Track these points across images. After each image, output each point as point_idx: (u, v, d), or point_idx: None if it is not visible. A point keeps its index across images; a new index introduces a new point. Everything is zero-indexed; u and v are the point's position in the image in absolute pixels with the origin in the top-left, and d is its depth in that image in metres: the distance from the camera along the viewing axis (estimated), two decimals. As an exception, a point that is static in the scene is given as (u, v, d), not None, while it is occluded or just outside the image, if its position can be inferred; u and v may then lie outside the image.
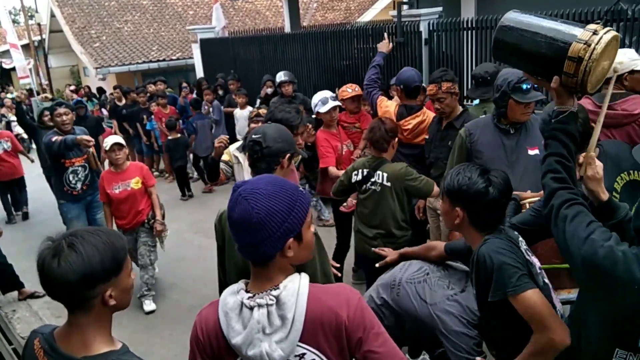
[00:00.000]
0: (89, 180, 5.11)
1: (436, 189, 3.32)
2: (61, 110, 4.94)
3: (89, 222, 5.16)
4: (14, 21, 21.54)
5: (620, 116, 2.83)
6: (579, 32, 1.54)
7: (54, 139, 4.78)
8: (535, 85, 2.79)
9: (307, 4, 18.67)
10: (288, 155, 2.27)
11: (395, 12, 6.03)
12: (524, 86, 2.83)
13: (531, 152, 2.91)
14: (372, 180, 3.41)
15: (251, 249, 1.35)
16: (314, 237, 1.96)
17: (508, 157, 2.94)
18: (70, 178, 5.00)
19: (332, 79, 7.13)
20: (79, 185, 5.05)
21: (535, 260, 1.92)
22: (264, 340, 1.32)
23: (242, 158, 3.66)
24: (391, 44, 5.63)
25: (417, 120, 4.11)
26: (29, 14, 22.39)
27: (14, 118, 13.92)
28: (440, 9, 5.98)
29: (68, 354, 1.34)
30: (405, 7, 6.25)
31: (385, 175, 3.38)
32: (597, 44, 1.48)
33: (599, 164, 1.70)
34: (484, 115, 3.53)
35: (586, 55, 1.49)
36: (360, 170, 3.50)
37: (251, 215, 1.31)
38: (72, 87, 16.29)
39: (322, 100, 4.71)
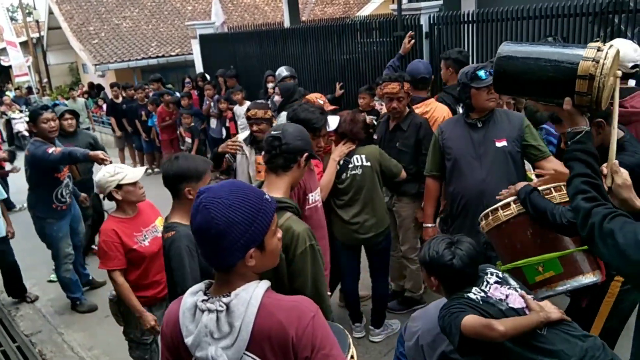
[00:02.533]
0: (73, 192, 4.73)
1: (403, 173, 3.58)
2: (48, 115, 4.24)
3: (70, 235, 4.72)
4: (12, 18, 21.51)
5: (628, 113, 2.81)
6: (582, 52, 1.56)
7: (50, 151, 4.10)
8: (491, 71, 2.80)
9: (306, -1, 18.61)
10: (306, 155, 2.22)
11: (395, 6, 6.01)
12: (480, 73, 2.94)
13: (498, 144, 3.00)
14: (351, 166, 3.46)
15: (211, 257, 1.35)
16: (311, 249, 1.96)
17: (476, 150, 3.03)
18: (64, 193, 4.46)
19: (333, 74, 7.12)
20: (67, 197, 4.56)
21: (499, 292, 2.08)
22: (212, 344, 1.32)
23: (248, 151, 3.66)
24: (410, 42, 5.61)
25: (419, 110, 4.10)
26: (27, 11, 22.37)
27: (14, 116, 13.89)
28: (440, 2, 5.96)
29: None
30: (405, 0, 6.23)
31: (363, 156, 3.48)
32: (605, 59, 1.51)
33: (624, 171, 1.65)
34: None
35: (597, 71, 1.51)
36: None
37: (210, 226, 1.29)
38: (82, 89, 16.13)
39: None
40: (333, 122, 4.27)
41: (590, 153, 1.60)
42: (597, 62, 1.51)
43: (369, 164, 3.46)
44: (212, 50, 10.05)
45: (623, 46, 2.91)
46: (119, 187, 2.97)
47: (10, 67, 18.85)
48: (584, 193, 1.54)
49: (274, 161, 2.19)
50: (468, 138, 3.06)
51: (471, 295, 2.08)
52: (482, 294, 2.08)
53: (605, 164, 1.67)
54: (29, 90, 18.33)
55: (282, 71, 6.49)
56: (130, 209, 3.08)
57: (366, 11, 16.64)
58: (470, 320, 1.95)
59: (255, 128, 3.68)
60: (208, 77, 9.28)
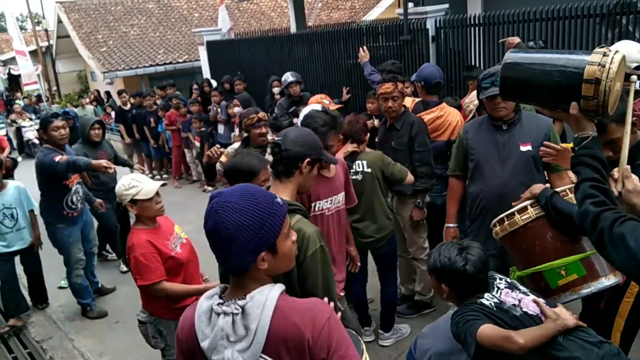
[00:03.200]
0: (85, 198, 4.77)
1: (409, 176, 3.55)
2: (58, 122, 4.30)
3: (82, 242, 4.78)
4: (21, 27, 21.75)
5: (637, 117, 2.79)
6: (588, 57, 1.57)
7: (57, 159, 4.15)
8: (495, 81, 2.76)
9: (312, 4, 18.67)
10: (308, 160, 2.17)
11: (401, 10, 6.02)
12: (485, 83, 2.92)
13: (523, 148, 2.93)
14: (352, 171, 3.47)
15: (224, 260, 1.36)
16: (321, 250, 1.95)
17: (499, 152, 2.97)
18: (74, 199, 4.51)
19: (339, 78, 7.13)
20: (79, 204, 4.60)
21: (511, 297, 2.05)
22: (228, 347, 1.33)
23: None
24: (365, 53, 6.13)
25: (431, 115, 4.11)
26: (36, 20, 22.63)
27: (24, 124, 14.01)
28: (446, 5, 5.96)
29: None
30: (411, 4, 6.23)
31: (364, 162, 3.48)
32: (610, 63, 1.52)
33: (635, 177, 1.65)
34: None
35: (603, 75, 1.52)
36: None
37: (220, 230, 1.31)
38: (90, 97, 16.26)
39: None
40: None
41: (597, 158, 1.59)
42: (603, 66, 1.53)
43: (369, 170, 3.46)
44: (219, 57, 10.11)
45: (627, 47, 2.90)
46: (134, 201, 2.80)
47: (20, 75, 19.05)
48: (592, 197, 1.53)
49: (276, 167, 2.19)
50: (492, 140, 3.00)
51: (484, 301, 2.04)
52: (495, 299, 2.04)
53: (616, 169, 1.66)
54: (39, 98, 18.53)
55: (288, 77, 6.51)
56: (150, 221, 2.91)
57: (372, 16, 16.66)
58: (488, 330, 1.92)
59: (264, 130, 3.75)
60: (215, 83, 9.33)
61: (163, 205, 2.92)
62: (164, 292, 2.79)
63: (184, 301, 2.80)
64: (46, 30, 21.35)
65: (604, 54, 1.55)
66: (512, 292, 2.08)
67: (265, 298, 1.34)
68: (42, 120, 4.44)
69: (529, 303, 2.03)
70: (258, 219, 1.32)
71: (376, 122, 5.03)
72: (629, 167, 1.66)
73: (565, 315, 1.93)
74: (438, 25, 5.73)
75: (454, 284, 2.10)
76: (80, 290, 4.76)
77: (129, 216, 3.08)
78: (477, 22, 5.45)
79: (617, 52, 1.57)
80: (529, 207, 2.28)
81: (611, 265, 1.52)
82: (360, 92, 6.58)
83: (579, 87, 1.56)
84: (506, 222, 2.33)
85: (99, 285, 5.19)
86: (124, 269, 5.64)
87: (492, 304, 2.02)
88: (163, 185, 2.98)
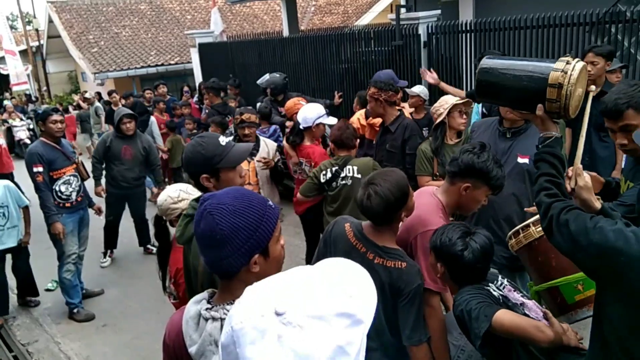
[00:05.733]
0: (82, 192, 4.86)
1: None
2: (57, 117, 4.64)
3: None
4: (12, 27, 21.58)
5: None
6: (553, 64, 1.76)
7: (35, 170, 4.45)
8: None
9: (305, 8, 18.71)
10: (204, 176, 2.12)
11: (394, 16, 6.05)
12: None
13: (520, 160, 2.89)
14: (342, 175, 3.50)
15: (215, 263, 1.34)
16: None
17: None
18: (62, 189, 4.64)
19: (331, 82, 7.14)
20: (73, 195, 4.69)
21: (514, 296, 2.04)
22: (216, 353, 1.29)
23: None
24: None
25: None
26: (27, 19, 22.44)
27: (15, 123, 13.88)
28: (438, 11, 6.00)
29: (372, 240, 2.09)
30: (403, 10, 6.26)
31: (355, 168, 3.50)
32: (572, 70, 1.71)
33: (586, 174, 1.82)
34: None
35: (565, 80, 1.71)
36: (328, 169, 3.60)
37: (215, 232, 1.29)
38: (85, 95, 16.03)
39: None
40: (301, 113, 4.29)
41: (556, 156, 1.76)
42: (566, 72, 1.71)
43: (359, 176, 3.46)
44: (211, 59, 10.09)
45: None
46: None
47: (8, 75, 18.88)
48: (546, 190, 1.71)
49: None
50: (494, 145, 2.90)
51: (492, 291, 1.98)
52: (501, 292, 2.00)
53: (571, 168, 1.82)
54: (28, 98, 18.35)
55: (274, 77, 6.54)
56: None
57: (365, 20, 16.76)
58: (509, 314, 1.84)
59: (247, 131, 3.78)
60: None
61: None
62: None
63: None
64: (37, 30, 21.17)
65: (567, 62, 1.74)
66: (514, 292, 2.06)
67: None
68: (43, 113, 4.79)
69: (532, 307, 1.99)
70: (252, 221, 1.31)
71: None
72: (581, 165, 1.82)
73: (570, 334, 1.90)
74: (430, 31, 5.76)
75: (449, 266, 2.04)
76: (69, 288, 4.72)
77: (169, 232, 2.90)
78: (468, 28, 5.49)
79: (578, 61, 1.74)
80: None
81: (558, 249, 1.64)
82: (352, 96, 6.59)
83: (544, 91, 1.75)
84: (521, 235, 2.28)
85: (83, 291, 5.11)
86: (105, 264, 5.88)
87: (499, 297, 1.98)
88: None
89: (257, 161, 4.06)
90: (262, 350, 0.71)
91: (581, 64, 1.74)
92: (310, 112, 4.14)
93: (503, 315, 1.83)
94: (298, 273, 0.91)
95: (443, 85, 5.12)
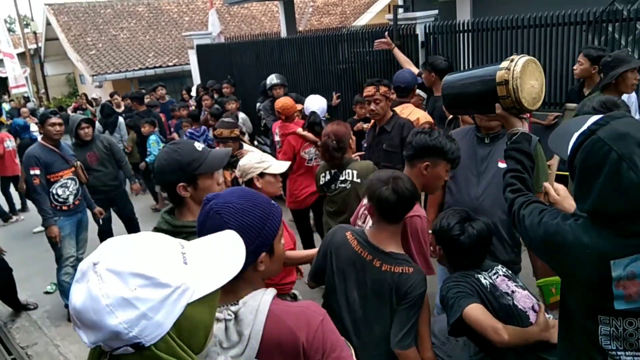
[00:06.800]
0: (80, 195, 4.79)
1: None
2: (55, 119, 4.65)
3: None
4: (9, 30, 21.55)
5: None
6: (499, 65, 1.92)
7: (32, 172, 4.46)
8: None
9: (302, 9, 18.72)
10: (181, 185, 2.02)
11: (391, 16, 6.05)
12: None
13: (501, 165, 2.77)
14: (341, 179, 3.48)
15: None
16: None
17: (477, 166, 2.86)
18: (60, 192, 4.63)
19: (329, 83, 7.14)
20: (71, 198, 4.67)
21: (506, 285, 2.11)
22: (221, 354, 1.30)
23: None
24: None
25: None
26: (25, 22, 22.42)
27: (32, 128, 13.86)
28: (436, 12, 6.01)
29: (377, 246, 2.05)
30: (401, 10, 6.27)
31: (354, 172, 3.46)
32: (515, 66, 1.86)
33: (558, 186, 1.95)
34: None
35: (509, 76, 1.85)
36: (327, 171, 3.59)
37: (224, 230, 1.28)
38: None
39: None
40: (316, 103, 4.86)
41: (522, 151, 1.87)
42: (509, 69, 1.85)
43: (358, 180, 3.41)
44: (209, 61, 10.09)
45: None
46: (262, 175, 2.86)
47: (7, 78, 18.85)
48: (511, 185, 1.83)
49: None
50: (473, 152, 2.88)
51: (481, 278, 2.07)
52: (491, 281, 2.09)
53: (547, 182, 1.97)
54: (27, 100, 18.32)
55: (273, 79, 6.55)
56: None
57: (362, 21, 16.76)
58: (477, 310, 1.94)
59: (220, 147, 3.75)
60: (202, 89, 9.29)
61: (281, 186, 3.03)
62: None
63: (284, 278, 2.80)
64: (35, 33, 21.16)
65: (511, 60, 1.88)
66: (508, 281, 2.12)
67: (258, 303, 1.32)
68: (42, 116, 4.84)
69: (522, 298, 2.05)
70: (259, 219, 1.33)
71: (365, 125, 5.05)
72: (547, 184, 1.96)
73: (554, 331, 1.90)
74: (427, 31, 5.77)
75: (447, 249, 2.18)
76: (67, 290, 4.68)
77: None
78: (466, 28, 5.49)
79: (522, 56, 1.89)
80: None
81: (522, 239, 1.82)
82: (350, 97, 6.59)
83: (495, 90, 1.89)
84: None
85: None
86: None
87: (488, 284, 2.06)
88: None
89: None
90: (77, 287, 0.91)
91: (524, 58, 1.87)
92: (321, 102, 5.07)
93: (471, 311, 1.94)
94: (146, 236, 1.02)
95: (396, 51, 5.42)
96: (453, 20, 5.82)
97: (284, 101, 4.90)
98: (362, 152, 4.41)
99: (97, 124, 11.08)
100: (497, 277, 2.10)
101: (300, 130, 4.67)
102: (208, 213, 1.34)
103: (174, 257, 0.98)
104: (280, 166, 2.92)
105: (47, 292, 5.32)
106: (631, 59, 3.55)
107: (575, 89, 4.35)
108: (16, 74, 16.69)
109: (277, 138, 5.03)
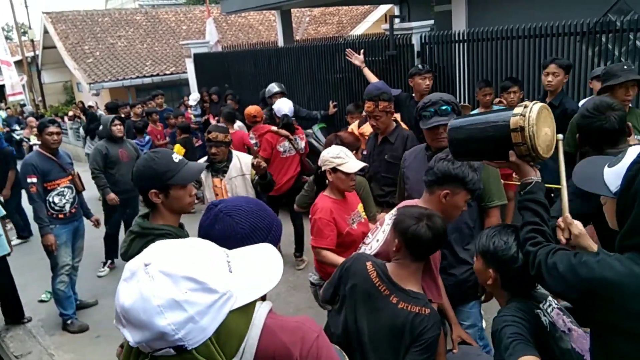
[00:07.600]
0: (77, 203, 4.83)
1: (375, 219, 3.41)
2: (53, 129, 4.67)
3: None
4: (7, 38, 21.55)
5: None
6: (512, 111, 1.85)
7: (29, 180, 4.46)
8: (443, 107, 2.77)
9: (300, 18, 18.82)
10: (153, 191, 2.19)
11: (387, 26, 6.10)
12: (426, 112, 2.80)
13: None
14: None
15: None
16: None
17: None
18: (56, 200, 4.64)
19: (326, 92, 7.17)
20: (67, 207, 4.68)
21: (562, 321, 1.87)
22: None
23: (204, 175, 3.85)
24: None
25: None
26: (22, 30, 22.44)
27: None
28: (432, 22, 6.06)
29: (397, 283, 2.02)
30: (397, 20, 6.32)
31: None
32: (530, 112, 1.78)
33: (577, 222, 1.80)
34: None
35: (525, 122, 1.78)
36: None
37: (235, 231, 1.33)
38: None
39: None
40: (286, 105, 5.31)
41: (539, 202, 1.79)
42: (524, 115, 1.78)
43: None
44: (206, 69, 10.12)
45: None
46: (334, 170, 2.96)
47: (4, 86, 18.85)
48: (531, 239, 1.73)
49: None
50: (425, 170, 2.75)
51: (541, 315, 1.81)
52: (549, 319, 1.83)
53: (561, 218, 1.81)
54: (22, 107, 18.31)
55: (273, 87, 6.58)
56: (340, 193, 3.06)
57: (359, 30, 16.86)
58: None
59: (214, 150, 3.79)
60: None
61: (355, 184, 3.09)
62: (323, 259, 2.93)
63: None
64: (32, 41, 21.19)
65: (525, 106, 1.81)
66: (563, 315, 1.87)
67: (253, 317, 1.31)
68: (40, 124, 4.87)
69: (579, 338, 1.84)
70: (267, 222, 1.39)
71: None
72: (569, 215, 1.80)
73: None
74: (423, 41, 5.81)
75: (503, 271, 1.83)
76: (62, 299, 4.68)
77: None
78: (461, 38, 5.53)
79: (535, 103, 1.82)
80: None
81: (552, 292, 1.68)
82: (346, 106, 6.62)
83: (509, 137, 1.81)
84: None
85: (77, 302, 5.07)
86: (103, 273, 5.90)
87: (547, 324, 1.80)
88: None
89: (241, 176, 3.96)
90: (126, 286, 0.92)
91: (539, 105, 1.81)
92: (290, 104, 5.57)
93: None
94: (196, 242, 1.06)
95: (366, 70, 5.52)
96: (449, 30, 5.86)
97: (248, 110, 5.74)
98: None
99: (81, 130, 11.24)
100: (552, 311, 1.86)
101: (274, 127, 5.35)
102: (217, 215, 1.38)
103: (221, 264, 1.02)
104: (353, 165, 2.97)
105: (41, 301, 5.29)
106: (622, 74, 3.40)
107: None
108: (13, 82, 16.68)
109: (253, 141, 5.71)
